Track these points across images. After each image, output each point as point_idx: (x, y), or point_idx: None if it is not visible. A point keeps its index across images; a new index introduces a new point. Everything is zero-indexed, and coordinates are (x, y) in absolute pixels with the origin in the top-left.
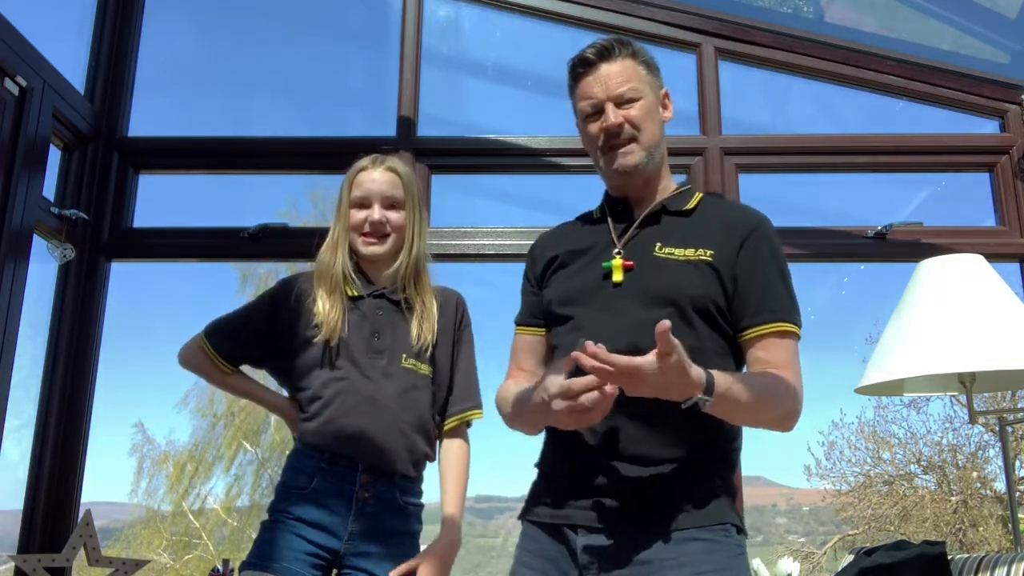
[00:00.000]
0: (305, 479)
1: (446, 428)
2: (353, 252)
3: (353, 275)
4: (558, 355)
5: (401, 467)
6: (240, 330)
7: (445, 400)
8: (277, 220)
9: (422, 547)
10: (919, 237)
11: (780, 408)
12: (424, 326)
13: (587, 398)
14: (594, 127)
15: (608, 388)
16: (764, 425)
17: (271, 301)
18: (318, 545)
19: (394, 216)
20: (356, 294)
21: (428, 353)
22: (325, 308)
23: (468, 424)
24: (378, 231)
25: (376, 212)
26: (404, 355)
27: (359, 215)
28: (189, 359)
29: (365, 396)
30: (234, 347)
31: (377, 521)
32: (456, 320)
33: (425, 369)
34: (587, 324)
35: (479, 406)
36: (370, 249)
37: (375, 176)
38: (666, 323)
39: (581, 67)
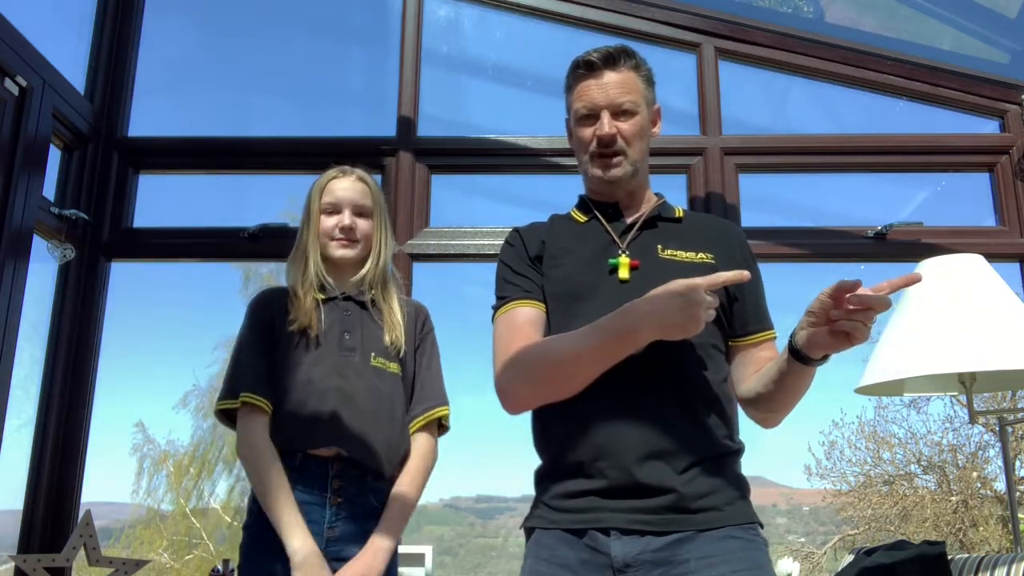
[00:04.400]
0: None
1: (412, 429)
2: (322, 258)
3: (325, 277)
4: None
5: (374, 462)
6: (261, 362)
7: (409, 402)
8: (277, 220)
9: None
10: (919, 237)
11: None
12: (392, 327)
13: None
14: (587, 131)
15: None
16: (790, 408)
17: (257, 316)
18: None
19: (363, 224)
20: (324, 297)
21: (398, 355)
22: (299, 303)
23: (439, 425)
24: (348, 236)
25: (347, 218)
26: (373, 353)
27: (329, 221)
28: (253, 443)
29: (338, 391)
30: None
31: (355, 524)
32: (416, 326)
33: (394, 367)
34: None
35: (445, 403)
36: (341, 252)
37: (345, 185)
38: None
39: (584, 69)
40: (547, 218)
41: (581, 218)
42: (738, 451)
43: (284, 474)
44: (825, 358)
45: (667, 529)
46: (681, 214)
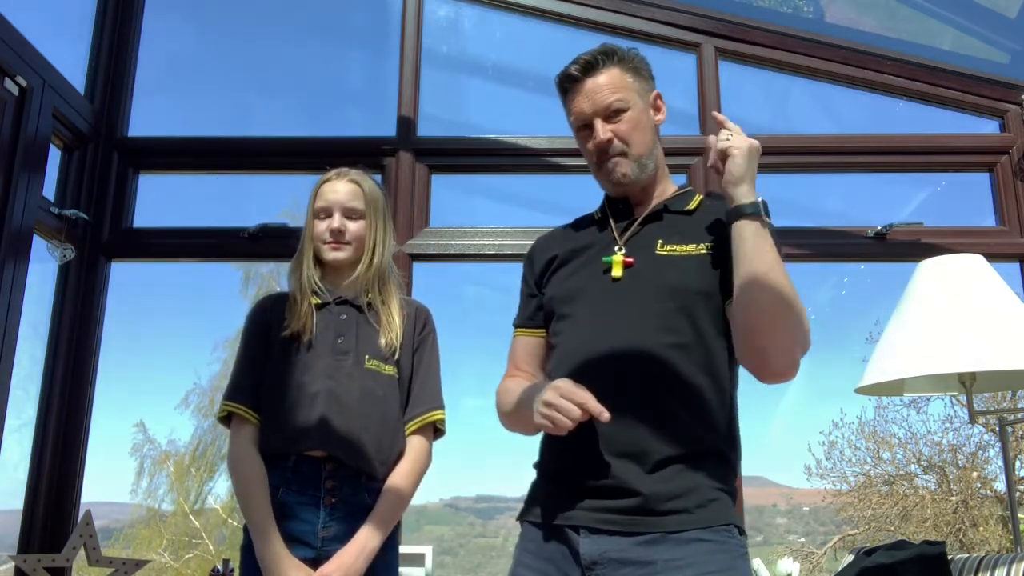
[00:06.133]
0: (271, 492)
1: (407, 432)
2: (318, 262)
3: (318, 283)
4: (557, 353)
5: (366, 464)
6: (250, 373)
7: (405, 405)
8: (277, 220)
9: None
10: (919, 237)
11: (795, 297)
12: (388, 329)
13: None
14: (587, 143)
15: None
16: (785, 323)
17: (253, 325)
18: (299, 558)
19: (353, 226)
20: (320, 302)
21: (394, 356)
22: (295, 309)
23: (435, 428)
24: (338, 238)
25: (336, 220)
26: (368, 356)
27: (321, 225)
28: (237, 454)
29: (329, 395)
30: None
31: (349, 524)
32: (415, 328)
33: (390, 370)
34: (585, 321)
35: (440, 407)
36: (332, 255)
37: (337, 187)
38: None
39: (567, 83)
40: (568, 217)
41: (596, 216)
42: (723, 456)
43: (263, 483)
44: (752, 209)
45: (634, 530)
46: (695, 205)
